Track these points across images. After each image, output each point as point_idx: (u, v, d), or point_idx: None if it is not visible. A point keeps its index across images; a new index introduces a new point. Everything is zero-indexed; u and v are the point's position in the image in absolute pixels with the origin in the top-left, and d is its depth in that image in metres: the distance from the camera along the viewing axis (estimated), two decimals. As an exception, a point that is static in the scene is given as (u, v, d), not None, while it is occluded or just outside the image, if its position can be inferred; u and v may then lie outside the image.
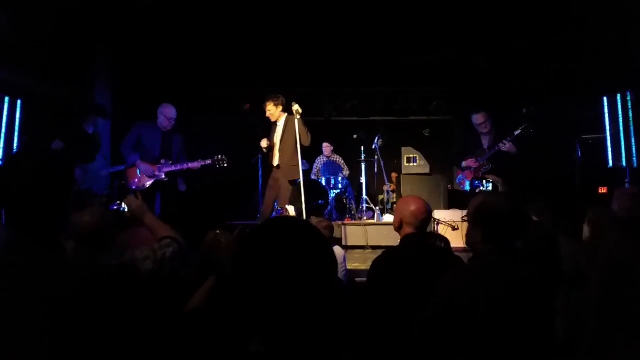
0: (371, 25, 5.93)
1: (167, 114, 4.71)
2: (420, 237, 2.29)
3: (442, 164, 7.74)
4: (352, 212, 6.18)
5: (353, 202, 6.33)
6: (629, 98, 5.44)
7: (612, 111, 5.65)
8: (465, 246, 5.03)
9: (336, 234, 5.13)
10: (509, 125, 4.87)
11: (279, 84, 6.92)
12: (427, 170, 7.41)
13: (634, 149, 5.36)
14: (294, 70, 7.04)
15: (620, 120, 5.53)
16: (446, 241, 3.51)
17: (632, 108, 5.41)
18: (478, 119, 4.97)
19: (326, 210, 5.85)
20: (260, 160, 5.60)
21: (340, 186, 6.44)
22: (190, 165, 4.61)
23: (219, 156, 4.65)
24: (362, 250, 5.25)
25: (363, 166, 6.99)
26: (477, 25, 5.87)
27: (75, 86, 5.81)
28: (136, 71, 6.46)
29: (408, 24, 5.89)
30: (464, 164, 5.06)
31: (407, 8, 5.50)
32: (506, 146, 4.71)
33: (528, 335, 1.61)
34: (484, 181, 4.83)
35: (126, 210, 1.88)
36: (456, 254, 2.49)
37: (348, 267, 3.72)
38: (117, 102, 6.26)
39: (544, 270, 1.84)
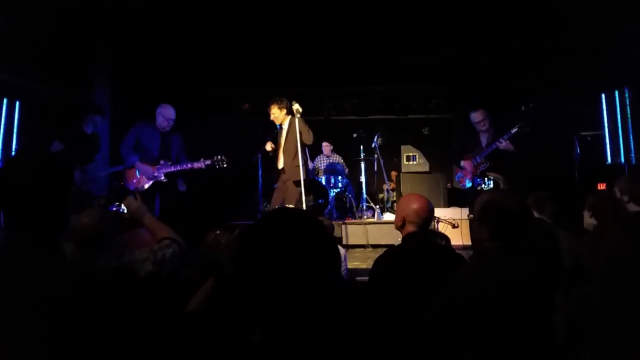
0: (370, 24, 5.93)
1: (166, 114, 4.70)
2: (423, 235, 2.29)
3: (442, 162, 7.74)
4: (353, 211, 6.19)
5: (353, 201, 6.33)
6: (626, 95, 5.45)
7: (610, 108, 5.65)
8: (465, 244, 5.05)
9: (336, 233, 5.14)
10: (507, 123, 4.87)
11: (278, 83, 6.92)
12: (426, 168, 7.41)
13: (632, 145, 5.36)
14: (293, 70, 7.04)
15: (619, 116, 5.53)
16: (447, 239, 3.51)
17: (630, 104, 5.41)
18: (476, 117, 4.97)
19: (326, 210, 5.85)
20: (260, 160, 5.60)
21: (340, 185, 6.44)
22: (192, 165, 4.60)
23: (219, 156, 4.65)
24: (362, 249, 5.26)
25: (363, 165, 6.99)
26: (476, 24, 5.87)
27: (74, 87, 5.80)
28: (136, 71, 6.44)
29: (407, 23, 5.89)
30: (461, 162, 5.06)
31: (406, 7, 5.50)
32: (503, 144, 4.71)
33: (535, 332, 1.62)
34: (486, 178, 4.83)
35: (125, 211, 1.88)
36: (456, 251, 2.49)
37: (349, 266, 3.72)
38: (117, 102, 6.25)
39: (549, 266, 1.85)
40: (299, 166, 4.88)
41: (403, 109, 7.95)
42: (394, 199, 7.04)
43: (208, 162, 4.61)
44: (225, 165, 4.64)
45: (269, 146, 5.27)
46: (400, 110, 7.96)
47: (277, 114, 5.18)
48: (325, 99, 8.00)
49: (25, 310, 1.07)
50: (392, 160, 7.62)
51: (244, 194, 6.40)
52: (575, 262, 2.53)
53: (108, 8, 5.30)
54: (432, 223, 4.73)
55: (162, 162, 4.67)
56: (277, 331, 0.90)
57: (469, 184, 4.94)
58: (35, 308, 1.06)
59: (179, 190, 4.91)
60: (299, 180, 5.03)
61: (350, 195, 6.37)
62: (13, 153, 5.01)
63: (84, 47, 5.83)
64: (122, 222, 2.02)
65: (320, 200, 5.56)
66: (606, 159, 5.64)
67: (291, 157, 5.11)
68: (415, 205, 2.27)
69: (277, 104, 5.16)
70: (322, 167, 7.13)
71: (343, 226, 5.42)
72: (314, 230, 0.94)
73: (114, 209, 2.06)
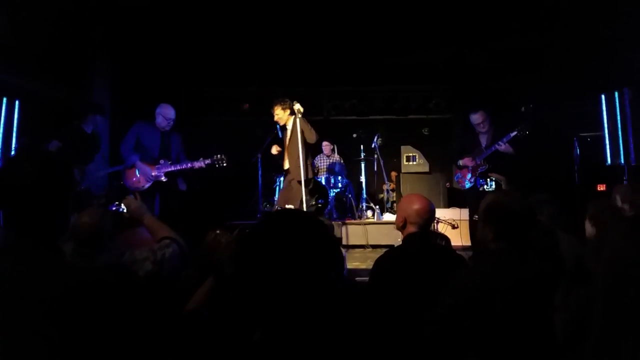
0: (370, 24, 5.93)
1: (166, 114, 4.70)
2: (424, 236, 2.29)
3: (442, 163, 7.74)
4: (352, 211, 6.19)
5: (353, 201, 6.33)
6: (626, 95, 5.45)
7: (610, 109, 5.66)
8: (465, 244, 5.04)
9: (336, 234, 5.14)
10: (507, 124, 4.86)
11: (278, 83, 6.93)
12: (426, 168, 7.41)
13: (631, 146, 5.37)
14: (293, 70, 7.04)
15: (618, 117, 5.54)
16: (447, 239, 3.52)
17: (630, 105, 5.42)
18: (476, 118, 4.96)
19: (326, 210, 5.85)
20: (260, 159, 5.60)
21: (340, 185, 6.44)
22: (192, 164, 4.60)
23: (219, 155, 4.64)
24: (362, 250, 5.26)
25: (362, 165, 6.99)
26: (476, 24, 5.87)
27: (73, 86, 5.80)
28: (135, 71, 6.44)
29: (407, 23, 5.89)
30: (460, 162, 5.06)
31: (406, 6, 5.50)
32: (502, 147, 4.71)
33: (538, 332, 1.63)
34: (488, 179, 4.83)
35: (125, 210, 1.88)
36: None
37: (348, 267, 3.72)
38: (116, 102, 6.24)
39: (551, 267, 1.85)
40: (300, 166, 4.88)
41: (403, 109, 7.95)
42: (394, 199, 7.04)
43: (208, 161, 4.60)
44: (225, 165, 4.64)
45: (274, 149, 5.26)
46: (400, 111, 7.96)
47: (280, 114, 5.17)
48: (324, 99, 8.00)
49: (24, 310, 1.06)
50: (392, 161, 7.63)
51: (244, 194, 6.41)
52: (575, 263, 2.53)
53: (108, 8, 5.30)
54: (432, 224, 4.73)
55: (162, 161, 4.67)
56: (277, 331, 0.90)
57: (468, 185, 4.94)
58: (34, 308, 1.06)
59: (179, 189, 4.91)
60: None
61: (350, 196, 6.37)
62: (13, 153, 5.01)
63: (84, 46, 5.83)
64: (122, 221, 2.02)
65: (320, 201, 5.56)
66: (606, 160, 5.65)
67: (295, 157, 5.11)
68: (416, 206, 2.26)
69: (281, 104, 5.14)
70: (322, 167, 7.14)
71: (343, 226, 5.42)
72: (314, 231, 0.94)
73: (114, 208, 2.07)
